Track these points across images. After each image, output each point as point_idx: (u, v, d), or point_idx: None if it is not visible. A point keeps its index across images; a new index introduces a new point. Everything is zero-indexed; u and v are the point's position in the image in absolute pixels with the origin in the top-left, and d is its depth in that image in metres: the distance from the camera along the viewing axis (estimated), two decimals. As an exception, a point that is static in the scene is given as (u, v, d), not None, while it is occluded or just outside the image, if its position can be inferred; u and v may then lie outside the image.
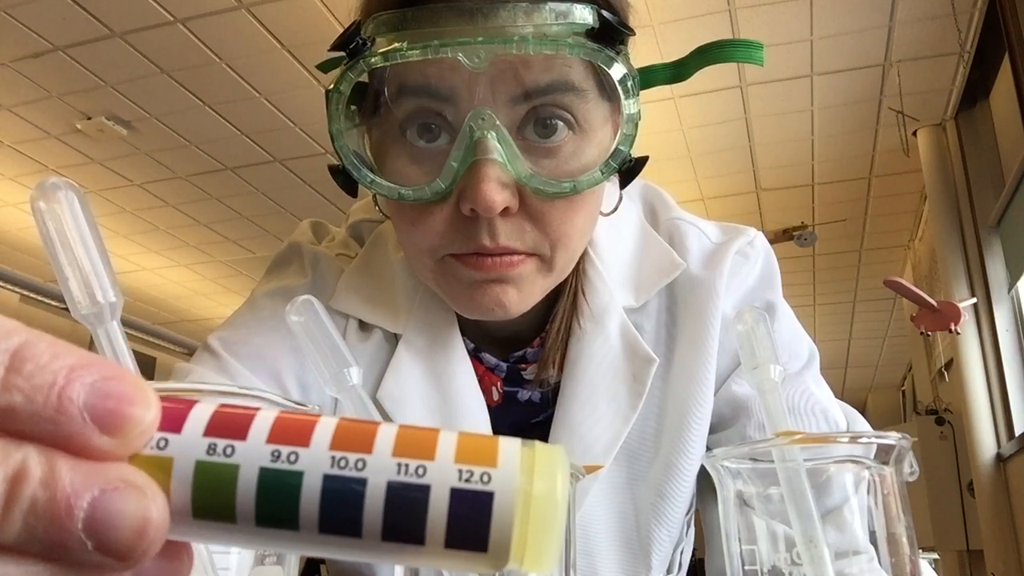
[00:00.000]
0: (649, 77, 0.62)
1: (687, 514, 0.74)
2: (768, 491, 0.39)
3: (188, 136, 4.29)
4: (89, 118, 4.08)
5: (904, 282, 3.62)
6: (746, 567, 0.39)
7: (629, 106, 0.58)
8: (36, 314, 6.00)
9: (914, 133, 4.11)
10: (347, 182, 0.60)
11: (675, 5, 3.04)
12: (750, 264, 0.73)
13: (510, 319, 0.64)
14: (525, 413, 0.71)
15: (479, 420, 0.68)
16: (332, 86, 0.58)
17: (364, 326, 0.71)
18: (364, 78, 0.58)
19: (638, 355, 0.68)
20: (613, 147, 0.59)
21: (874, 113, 4.03)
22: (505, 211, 0.57)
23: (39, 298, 5.85)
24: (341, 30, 0.57)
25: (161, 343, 7.19)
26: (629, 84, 0.57)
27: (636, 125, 0.59)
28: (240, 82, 3.80)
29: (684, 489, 0.68)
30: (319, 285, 0.72)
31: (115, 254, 5.78)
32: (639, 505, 0.69)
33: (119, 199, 4.98)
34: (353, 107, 0.61)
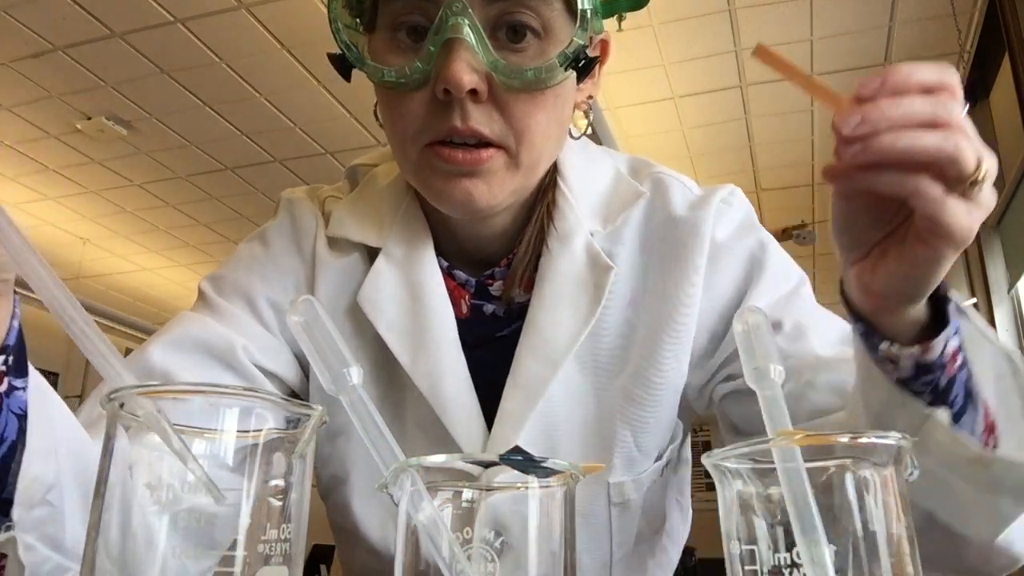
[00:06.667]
0: (613, 5, 0.70)
1: (671, 442, 0.80)
2: (768, 491, 0.39)
3: (188, 136, 4.29)
4: (89, 118, 4.09)
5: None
6: (746, 567, 0.39)
7: (582, 2, 0.66)
8: (36, 314, 5.99)
9: (914, 133, 4.10)
10: (343, 67, 0.69)
11: (675, 5, 3.04)
12: (734, 210, 0.80)
13: (483, 232, 0.75)
14: (491, 326, 0.78)
15: (447, 327, 0.75)
16: None
17: (351, 246, 0.80)
18: None
19: (598, 265, 0.76)
20: (568, 39, 0.66)
21: (874, 113, 4.03)
22: (475, 96, 0.65)
23: (39, 298, 5.84)
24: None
25: (161, 343, 7.18)
26: None
27: (588, 21, 0.66)
28: (240, 82, 3.80)
29: (654, 397, 0.75)
30: (289, 222, 0.82)
31: (115, 254, 5.79)
32: (603, 411, 0.75)
33: (119, 199, 4.98)
34: (354, 6, 0.70)
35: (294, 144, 4.35)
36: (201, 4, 3.27)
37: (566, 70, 0.67)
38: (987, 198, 0.48)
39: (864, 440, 0.38)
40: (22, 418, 0.49)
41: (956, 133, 0.46)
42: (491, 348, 0.76)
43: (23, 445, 0.49)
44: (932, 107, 0.46)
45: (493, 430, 0.72)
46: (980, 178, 0.47)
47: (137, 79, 3.77)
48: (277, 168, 4.60)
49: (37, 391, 0.50)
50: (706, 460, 0.42)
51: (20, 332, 0.49)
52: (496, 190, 0.68)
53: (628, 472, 0.76)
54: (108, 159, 4.52)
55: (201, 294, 0.79)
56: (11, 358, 0.48)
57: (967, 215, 0.47)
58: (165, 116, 4.10)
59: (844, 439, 0.38)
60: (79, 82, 3.78)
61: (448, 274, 0.78)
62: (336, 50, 0.70)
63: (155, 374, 0.70)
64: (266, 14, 3.34)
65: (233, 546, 0.34)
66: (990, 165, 0.47)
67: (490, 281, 0.77)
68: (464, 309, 0.77)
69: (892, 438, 0.38)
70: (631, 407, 0.74)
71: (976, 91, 3.79)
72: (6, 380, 0.48)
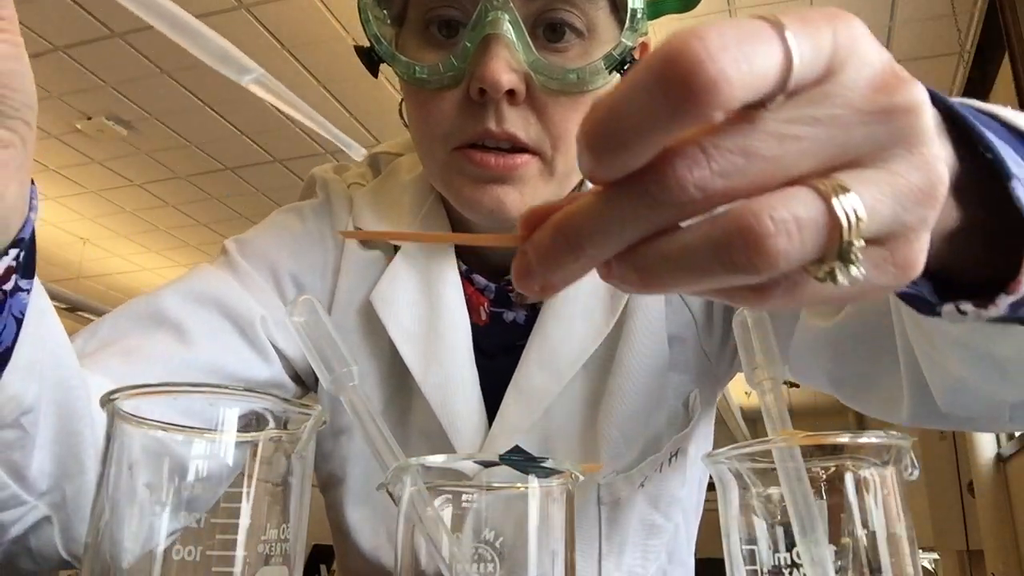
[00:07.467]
0: (659, 6, 0.67)
1: (674, 432, 0.75)
2: (768, 491, 0.39)
3: (188, 136, 4.29)
4: (89, 118, 4.08)
5: None
6: (746, 567, 0.39)
7: (633, 0, 0.63)
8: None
9: (914, 133, 4.10)
10: (370, 62, 0.66)
11: (675, 5, 3.04)
12: None
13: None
14: (510, 335, 0.74)
15: (461, 337, 0.72)
16: None
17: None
18: None
19: None
20: (617, 40, 0.63)
21: (874, 113, 4.03)
22: (512, 98, 0.61)
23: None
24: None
25: (161, 343, 7.17)
26: None
27: (638, 21, 0.63)
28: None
29: (631, 387, 0.72)
30: (327, 204, 0.79)
31: (115, 254, 5.78)
32: (596, 413, 0.73)
33: (119, 199, 4.98)
34: (384, 4, 0.67)
35: (294, 144, 4.35)
36: (201, 4, 3.27)
37: (611, 73, 0.63)
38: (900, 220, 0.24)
39: (864, 440, 0.38)
40: (21, 324, 0.44)
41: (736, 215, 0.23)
42: (509, 358, 0.73)
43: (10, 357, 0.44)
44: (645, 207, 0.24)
45: (487, 439, 0.70)
46: (850, 239, 0.24)
47: (137, 79, 3.77)
48: (277, 168, 4.60)
49: (35, 303, 0.45)
50: (706, 460, 0.42)
51: (34, 228, 0.43)
52: (528, 199, 0.64)
53: (616, 468, 0.73)
54: (108, 159, 4.52)
55: (225, 252, 0.76)
56: (23, 254, 0.43)
57: (877, 268, 0.25)
58: (165, 116, 4.10)
59: (844, 439, 0.38)
60: (79, 82, 3.78)
61: (467, 279, 0.75)
62: (352, 42, 0.68)
63: (167, 321, 0.66)
64: (266, 14, 3.34)
65: (233, 546, 0.34)
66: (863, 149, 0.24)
67: (511, 288, 0.74)
68: (483, 316, 0.74)
69: (892, 438, 0.38)
70: (611, 400, 0.72)
71: (976, 91, 3.79)
72: (13, 278, 0.43)
